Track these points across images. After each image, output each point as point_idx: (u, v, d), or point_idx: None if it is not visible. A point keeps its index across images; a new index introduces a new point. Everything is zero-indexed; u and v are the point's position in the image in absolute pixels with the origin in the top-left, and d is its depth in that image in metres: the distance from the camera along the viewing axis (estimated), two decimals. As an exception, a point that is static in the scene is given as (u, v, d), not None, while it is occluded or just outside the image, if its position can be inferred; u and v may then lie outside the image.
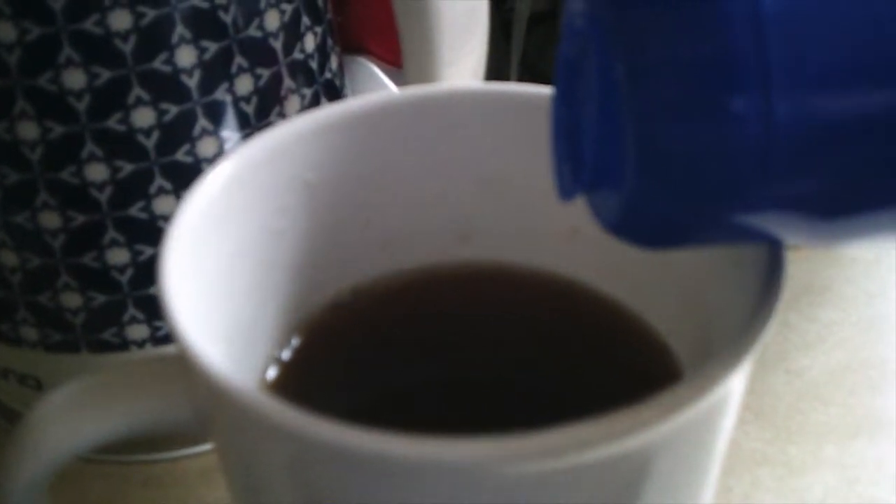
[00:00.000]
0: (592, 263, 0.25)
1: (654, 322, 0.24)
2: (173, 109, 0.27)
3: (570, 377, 0.24)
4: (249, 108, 0.28)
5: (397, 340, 0.25)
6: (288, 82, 0.29)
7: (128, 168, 0.27)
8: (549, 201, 0.20)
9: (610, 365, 0.24)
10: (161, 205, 0.28)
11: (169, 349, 0.29)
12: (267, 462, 0.18)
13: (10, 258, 0.28)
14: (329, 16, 0.31)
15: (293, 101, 0.30)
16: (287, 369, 0.24)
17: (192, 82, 0.27)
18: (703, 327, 0.22)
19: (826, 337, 0.36)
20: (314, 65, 0.30)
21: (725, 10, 0.14)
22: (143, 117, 0.27)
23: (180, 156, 0.28)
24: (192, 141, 0.28)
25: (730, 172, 0.15)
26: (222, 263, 0.22)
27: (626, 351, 0.24)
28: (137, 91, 0.26)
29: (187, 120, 0.27)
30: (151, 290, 0.29)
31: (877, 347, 0.36)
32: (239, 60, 0.28)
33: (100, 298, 0.29)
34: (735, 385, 0.18)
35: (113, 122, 0.27)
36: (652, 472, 0.17)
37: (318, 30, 0.31)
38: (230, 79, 0.28)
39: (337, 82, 0.32)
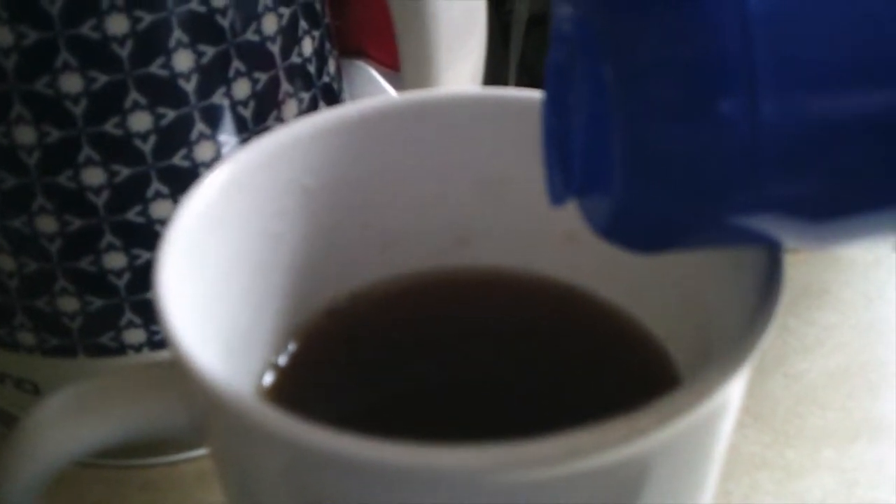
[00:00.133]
0: (590, 267, 0.25)
1: (653, 326, 0.24)
2: (170, 114, 0.27)
3: (568, 382, 0.24)
4: (247, 113, 0.28)
5: (395, 345, 0.25)
6: (286, 86, 0.29)
7: (125, 172, 0.27)
8: (547, 205, 0.20)
9: (608, 369, 0.24)
10: (158, 209, 0.28)
11: (166, 354, 0.29)
12: (262, 468, 0.18)
13: (7, 262, 0.28)
14: (327, 19, 0.31)
15: (291, 105, 0.30)
16: (284, 375, 0.24)
17: (190, 86, 0.27)
18: (702, 331, 0.22)
19: (824, 340, 0.36)
20: (312, 69, 0.30)
21: (711, 12, 0.14)
22: (140, 121, 0.27)
23: (177, 160, 0.27)
24: (190, 145, 0.27)
25: (717, 174, 0.15)
26: (219, 268, 0.22)
27: (624, 355, 0.24)
28: (134, 95, 0.26)
29: (184, 124, 0.27)
30: (148, 295, 0.29)
31: (875, 350, 0.36)
32: (236, 64, 0.28)
33: (97, 303, 0.29)
34: (734, 391, 0.18)
35: (110, 127, 0.26)
36: (650, 478, 0.17)
37: (316, 33, 0.30)
38: (228, 83, 0.28)
39: (335, 86, 0.32)
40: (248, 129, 0.28)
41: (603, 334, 0.25)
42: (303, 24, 0.30)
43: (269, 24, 0.28)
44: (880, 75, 0.14)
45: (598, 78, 0.16)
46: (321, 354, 0.24)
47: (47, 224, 0.28)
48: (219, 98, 0.28)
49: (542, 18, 0.43)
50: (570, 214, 0.20)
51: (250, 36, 0.28)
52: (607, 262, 0.23)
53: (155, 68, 0.26)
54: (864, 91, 0.14)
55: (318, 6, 0.30)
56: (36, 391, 0.31)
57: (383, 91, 0.38)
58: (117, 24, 0.25)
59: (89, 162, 0.27)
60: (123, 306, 0.29)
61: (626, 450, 0.16)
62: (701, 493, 0.19)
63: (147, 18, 0.26)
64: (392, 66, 0.39)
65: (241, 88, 0.28)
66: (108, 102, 0.26)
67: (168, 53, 0.26)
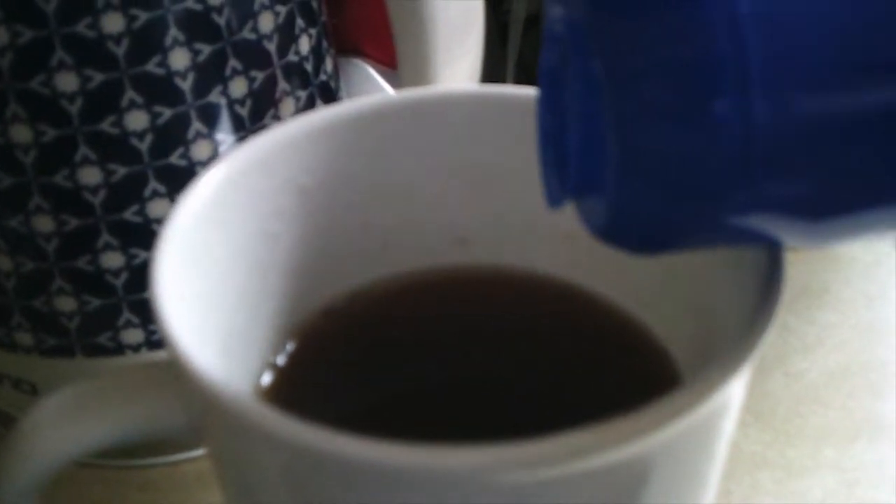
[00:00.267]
0: (590, 267, 0.25)
1: (653, 325, 0.24)
2: (167, 112, 0.27)
3: (568, 381, 0.24)
4: (244, 111, 0.28)
5: (393, 345, 0.25)
6: (282, 85, 0.29)
7: (121, 171, 0.27)
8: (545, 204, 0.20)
9: (608, 368, 0.24)
10: (155, 208, 0.28)
11: (164, 354, 0.29)
12: (260, 469, 0.18)
13: (4, 262, 0.28)
14: (324, 18, 0.31)
15: (288, 104, 0.30)
16: (282, 375, 0.24)
17: (186, 85, 0.27)
18: (702, 331, 0.21)
19: (825, 339, 0.36)
20: (309, 67, 0.30)
21: (703, 12, 0.14)
22: (137, 120, 0.27)
23: (174, 159, 0.27)
24: (187, 144, 0.27)
25: (711, 174, 0.15)
26: (216, 267, 0.22)
27: (624, 354, 0.24)
28: (131, 94, 0.26)
29: (181, 123, 0.27)
30: (146, 294, 0.29)
31: (876, 350, 0.35)
32: (233, 63, 0.27)
33: (94, 302, 0.29)
34: (735, 390, 0.18)
35: (106, 126, 0.26)
36: (651, 478, 0.17)
37: (313, 32, 0.30)
38: (224, 81, 0.27)
39: (332, 84, 0.32)
40: (245, 128, 0.28)
41: (603, 334, 0.25)
42: (299, 22, 0.30)
43: (266, 22, 0.28)
44: (873, 73, 0.14)
45: (590, 78, 0.16)
46: (320, 354, 0.24)
47: (44, 223, 0.27)
48: (215, 96, 0.27)
49: (539, 17, 0.43)
50: (570, 213, 0.20)
51: (247, 34, 0.28)
52: (607, 261, 0.23)
53: (151, 67, 0.26)
54: (857, 89, 0.14)
55: (314, 4, 0.30)
56: (34, 391, 0.31)
57: (381, 89, 0.38)
58: (113, 23, 0.25)
59: (86, 161, 0.27)
60: (121, 306, 0.29)
61: (627, 450, 0.16)
62: (702, 493, 0.19)
63: (143, 16, 0.26)
64: (389, 65, 0.38)
65: (238, 87, 0.28)
66: (104, 101, 0.26)
67: (164, 52, 0.26)
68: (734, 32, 0.14)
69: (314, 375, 0.24)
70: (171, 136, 0.27)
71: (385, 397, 0.24)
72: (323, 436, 0.16)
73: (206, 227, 0.21)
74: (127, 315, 0.29)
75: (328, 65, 0.32)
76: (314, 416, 0.17)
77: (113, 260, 0.28)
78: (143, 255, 0.28)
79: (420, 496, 0.16)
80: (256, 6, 0.28)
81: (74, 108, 0.26)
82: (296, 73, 0.30)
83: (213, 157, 0.28)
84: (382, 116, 0.24)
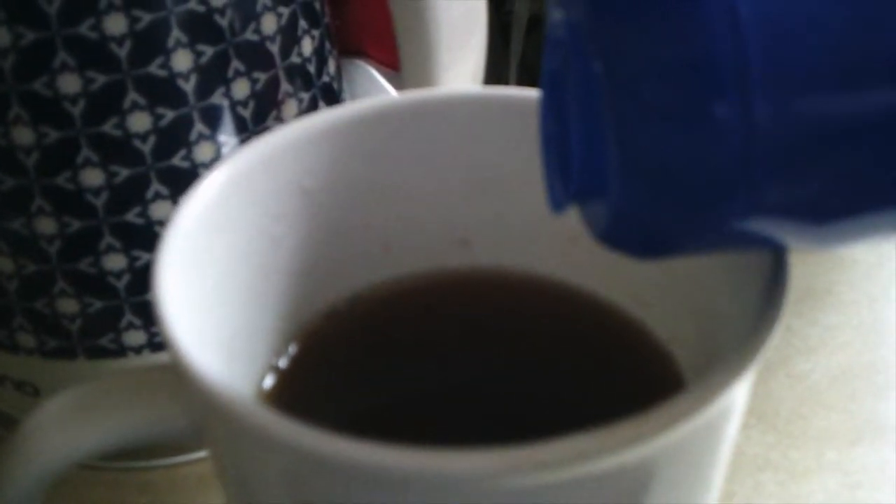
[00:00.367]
0: (593, 269, 0.25)
1: (656, 327, 0.24)
2: (169, 114, 0.27)
3: (571, 385, 0.24)
4: (246, 113, 0.28)
5: (396, 347, 0.25)
6: (285, 86, 0.29)
7: (124, 173, 0.27)
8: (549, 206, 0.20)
9: (611, 371, 0.24)
10: (158, 210, 0.28)
11: (166, 356, 0.29)
12: (262, 472, 0.18)
13: (6, 264, 0.28)
14: (326, 19, 0.31)
15: (290, 105, 0.30)
16: (284, 378, 0.24)
17: (189, 87, 0.27)
18: (706, 334, 0.21)
19: (828, 341, 0.36)
20: (312, 68, 0.30)
21: (703, 12, 0.14)
22: (139, 122, 0.27)
23: (177, 161, 0.27)
24: (189, 146, 0.27)
25: (712, 175, 0.15)
26: (218, 270, 0.22)
27: (627, 357, 0.24)
28: (133, 96, 0.26)
29: (184, 124, 0.27)
30: (148, 296, 0.29)
31: (879, 351, 0.35)
32: (236, 64, 0.27)
33: (96, 304, 0.29)
34: (739, 393, 0.18)
35: (109, 127, 0.26)
36: (655, 481, 0.17)
37: (316, 33, 0.30)
38: (227, 83, 0.27)
39: (335, 86, 0.32)
40: (248, 130, 0.28)
41: (606, 336, 0.25)
42: (302, 24, 0.29)
43: (269, 24, 0.28)
44: (873, 74, 0.14)
45: (591, 80, 0.16)
46: (322, 357, 0.24)
47: (46, 225, 0.27)
48: (218, 98, 0.27)
49: (542, 18, 0.42)
50: (573, 215, 0.20)
51: (249, 35, 0.28)
52: (610, 263, 0.23)
53: (154, 68, 0.26)
54: (858, 90, 0.14)
55: (317, 5, 0.30)
56: (36, 393, 0.31)
57: (383, 91, 0.38)
58: (115, 24, 0.25)
59: (88, 163, 0.27)
60: (123, 308, 0.29)
61: (630, 453, 0.16)
62: (705, 496, 0.19)
63: (145, 18, 0.26)
64: (392, 66, 0.38)
65: (241, 88, 0.28)
66: (106, 103, 0.26)
67: (167, 53, 0.26)
68: (734, 32, 0.14)
69: (316, 378, 0.24)
70: (174, 138, 0.27)
71: (387, 400, 0.24)
72: (325, 439, 0.16)
73: (208, 229, 0.21)
74: (129, 317, 0.29)
75: (331, 66, 0.32)
76: (316, 419, 0.17)
77: (115, 262, 0.28)
78: (145, 256, 0.28)
79: (422, 500, 0.16)
80: (259, 8, 0.28)
81: (77, 110, 0.26)
82: (299, 75, 0.30)
83: (216, 158, 0.28)
84: (385, 118, 0.24)
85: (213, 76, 0.27)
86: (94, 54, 0.25)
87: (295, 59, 0.29)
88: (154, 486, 0.32)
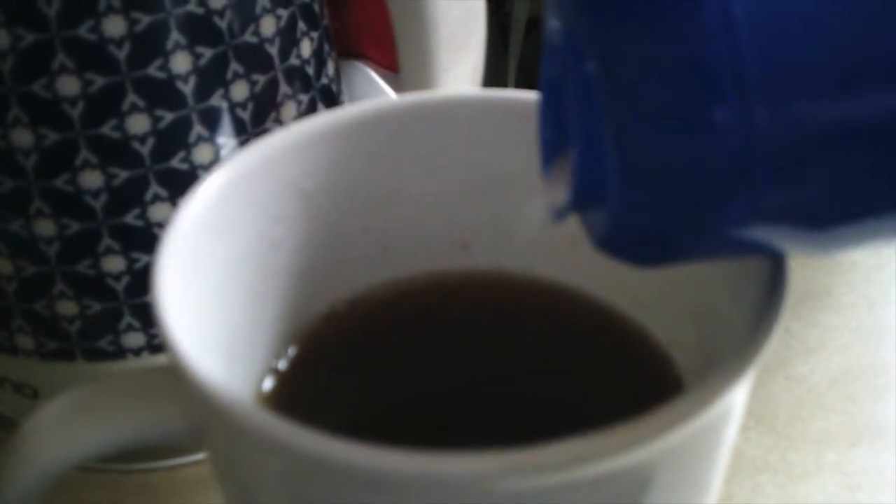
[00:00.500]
0: (593, 271, 0.25)
1: (655, 330, 0.24)
2: (168, 116, 0.27)
3: (570, 387, 0.24)
4: (245, 115, 0.28)
5: (395, 349, 0.25)
6: (284, 88, 0.29)
7: (123, 175, 0.27)
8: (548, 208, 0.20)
9: (610, 374, 0.24)
10: (157, 212, 0.28)
11: (165, 358, 0.29)
12: (261, 474, 0.18)
13: (6, 266, 0.28)
14: (325, 21, 0.31)
15: (289, 107, 0.30)
16: (283, 380, 0.24)
17: (188, 89, 0.27)
18: (705, 336, 0.21)
19: (827, 343, 0.36)
20: (310, 70, 0.30)
21: (698, 14, 0.14)
22: (138, 124, 0.26)
23: (176, 163, 0.27)
24: (188, 148, 0.27)
25: (712, 179, 0.15)
26: (218, 272, 0.22)
27: (626, 360, 0.24)
28: (132, 98, 0.26)
29: (183, 126, 0.27)
30: (147, 298, 0.29)
31: (878, 353, 0.35)
32: (234, 66, 0.27)
33: (95, 306, 0.29)
34: (738, 396, 0.18)
35: (108, 129, 0.26)
36: (654, 484, 0.17)
37: (315, 35, 0.30)
38: (226, 85, 0.27)
39: (334, 88, 0.32)
40: (247, 132, 0.28)
41: (606, 339, 0.25)
42: (301, 26, 0.29)
43: (268, 26, 0.28)
44: (871, 77, 0.14)
45: (589, 85, 0.16)
46: (321, 359, 0.24)
47: (45, 227, 0.27)
48: (217, 100, 0.27)
49: (540, 19, 0.42)
50: (572, 218, 0.20)
51: (248, 37, 0.28)
52: (610, 266, 0.23)
53: (152, 70, 0.26)
54: (856, 94, 0.14)
55: (316, 7, 0.30)
56: (35, 395, 0.31)
57: (382, 93, 0.38)
58: (114, 26, 0.25)
59: (87, 165, 0.27)
60: (122, 310, 0.29)
61: (629, 456, 0.16)
62: (705, 498, 0.19)
63: (144, 20, 0.26)
64: (391, 68, 0.38)
65: (240, 90, 0.28)
66: (105, 105, 0.26)
67: (166, 55, 0.26)
68: (728, 33, 0.14)
69: (316, 380, 0.24)
70: (173, 140, 0.27)
71: (386, 402, 0.24)
72: (324, 441, 0.16)
73: (207, 231, 0.21)
74: (128, 319, 0.29)
75: (330, 68, 0.32)
76: (316, 421, 0.17)
77: (114, 264, 0.28)
78: (144, 258, 0.28)
79: (420, 502, 0.16)
80: (258, 10, 0.28)
81: (76, 112, 0.26)
82: (297, 77, 0.30)
83: (215, 160, 0.28)
84: (384, 120, 0.24)
85: (212, 78, 0.27)
86: (93, 56, 0.25)
87: (294, 60, 0.29)
88: (153, 488, 0.32)
